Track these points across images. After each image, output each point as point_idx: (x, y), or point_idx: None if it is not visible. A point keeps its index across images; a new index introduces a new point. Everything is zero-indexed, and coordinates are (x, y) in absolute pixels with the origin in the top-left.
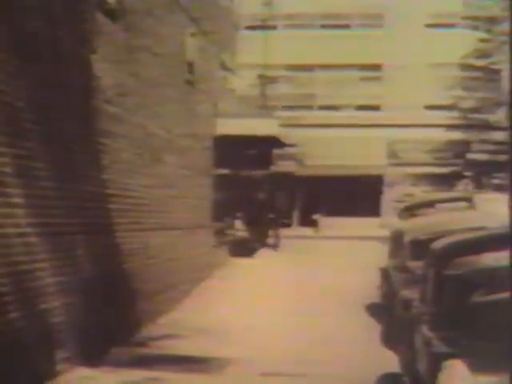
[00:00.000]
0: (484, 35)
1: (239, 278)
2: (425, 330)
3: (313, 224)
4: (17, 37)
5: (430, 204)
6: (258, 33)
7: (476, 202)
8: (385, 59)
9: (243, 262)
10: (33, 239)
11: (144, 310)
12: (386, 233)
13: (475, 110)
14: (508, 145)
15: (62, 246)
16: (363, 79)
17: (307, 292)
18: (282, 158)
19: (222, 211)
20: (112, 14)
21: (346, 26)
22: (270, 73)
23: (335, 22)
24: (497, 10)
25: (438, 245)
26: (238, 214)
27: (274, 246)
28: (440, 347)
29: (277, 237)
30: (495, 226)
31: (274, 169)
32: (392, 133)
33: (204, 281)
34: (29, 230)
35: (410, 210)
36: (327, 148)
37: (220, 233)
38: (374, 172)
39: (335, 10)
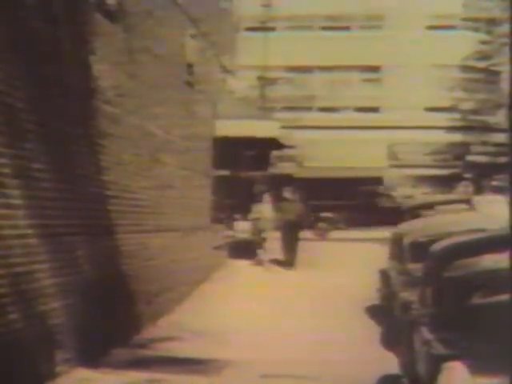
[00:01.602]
0: (484, 37)
1: (239, 280)
2: (424, 332)
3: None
4: (16, 37)
5: (430, 206)
6: (258, 34)
7: (475, 203)
8: (385, 61)
9: (243, 264)
10: (32, 240)
11: (143, 312)
12: (385, 235)
13: (475, 111)
14: (508, 147)
15: (61, 248)
16: (363, 81)
17: (307, 293)
18: (282, 159)
19: (222, 212)
20: (111, 15)
21: (346, 28)
22: (270, 74)
23: (335, 24)
24: (497, 12)
25: (437, 247)
26: (237, 216)
27: (288, 264)
28: (439, 349)
29: (293, 252)
30: (495, 227)
31: (273, 170)
32: (392, 134)
33: (203, 282)
34: (28, 231)
35: (410, 212)
36: (327, 150)
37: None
38: (373, 174)
39: (335, 11)
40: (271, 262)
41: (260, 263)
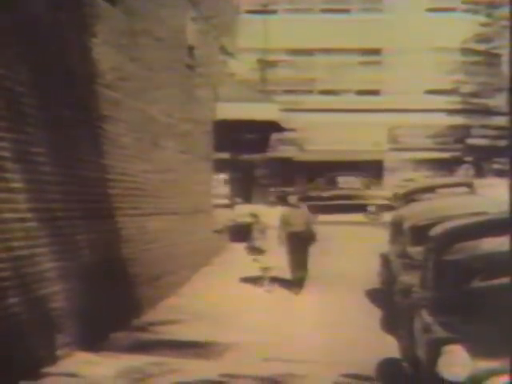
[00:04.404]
0: (485, 20)
1: (239, 264)
2: (424, 316)
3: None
4: (17, 21)
5: (431, 189)
6: (259, 17)
7: (476, 187)
8: (385, 44)
9: (243, 247)
10: (32, 224)
11: (144, 295)
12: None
13: (476, 94)
14: (508, 130)
15: (61, 231)
16: (363, 64)
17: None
18: (282, 142)
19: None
20: None
21: (346, 11)
22: (270, 57)
23: (335, 7)
24: None
25: (437, 230)
26: (238, 199)
27: (297, 286)
28: (440, 332)
29: (302, 271)
30: (495, 211)
31: (273, 153)
32: (392, 118)
33: (204, 266)
34: (28, 214)
35: (410, 196)
36: (327, 133)
37: None
38: (374, 157)
39: None
40: (274, 280)
41: (261, 284)
